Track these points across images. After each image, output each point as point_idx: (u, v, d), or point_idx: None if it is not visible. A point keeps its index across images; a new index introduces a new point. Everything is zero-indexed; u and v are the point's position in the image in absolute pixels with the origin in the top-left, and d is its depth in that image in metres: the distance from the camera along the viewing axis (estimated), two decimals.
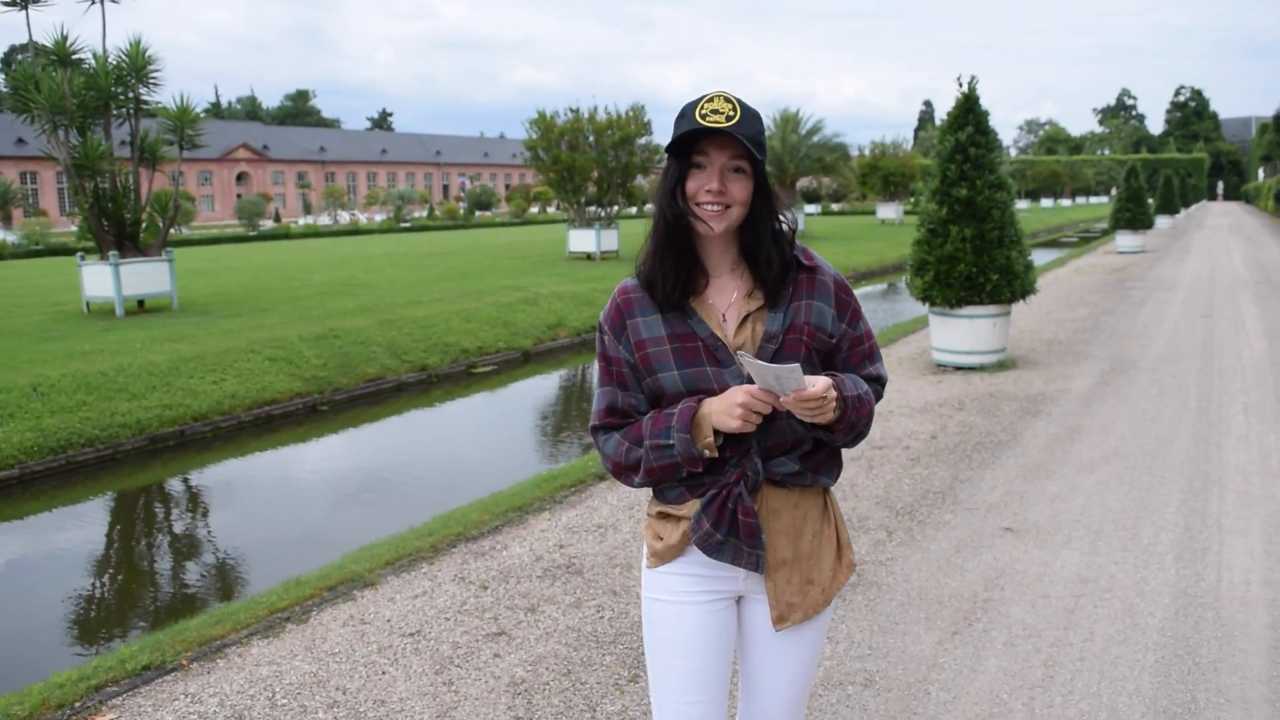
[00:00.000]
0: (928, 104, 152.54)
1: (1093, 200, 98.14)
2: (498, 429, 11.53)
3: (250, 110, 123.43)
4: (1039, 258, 26.96)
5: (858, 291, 25.47)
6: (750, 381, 2.04)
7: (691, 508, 2.16)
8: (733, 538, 2.10)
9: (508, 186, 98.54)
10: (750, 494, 2.10)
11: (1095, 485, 6.38)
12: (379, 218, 63.28)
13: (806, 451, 2.15)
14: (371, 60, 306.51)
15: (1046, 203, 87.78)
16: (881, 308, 20.85)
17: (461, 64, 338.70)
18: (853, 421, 2.10)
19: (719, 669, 2.23)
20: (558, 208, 59.64)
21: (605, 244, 26.92)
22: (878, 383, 2.26)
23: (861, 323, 2.24)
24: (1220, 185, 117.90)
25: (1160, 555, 5.14)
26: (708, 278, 2.16)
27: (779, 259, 2.13)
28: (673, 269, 2.11)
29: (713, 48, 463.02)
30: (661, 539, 2.23)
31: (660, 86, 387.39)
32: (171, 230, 18.36)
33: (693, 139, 2.05)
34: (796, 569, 2.18)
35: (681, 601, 2.20)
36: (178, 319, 15.24)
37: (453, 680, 4.04)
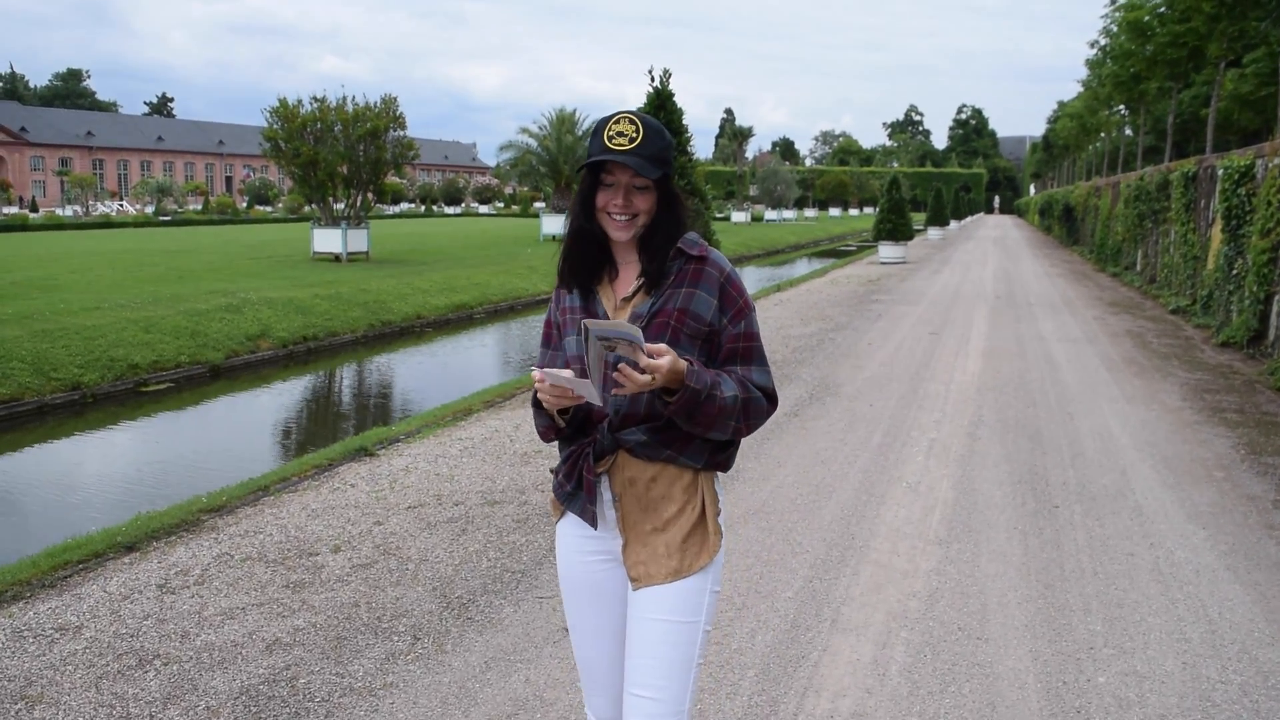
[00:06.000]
0: (729, 112, 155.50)
1: None
2: (129, 467, 9.72)
3: (9, 88, 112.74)
4: (808, 267, 26.73)
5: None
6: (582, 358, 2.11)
7: None
8: (580, 491, 2.31)
9: None
10: (598, 458, 2.29)
11: None
12: (150, 210, 58.77)
13: (658, 426, 2.24)
14: (162, 42, 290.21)
15: (835, 212, 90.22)
16: None
17: (261, 51, 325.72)
18: (689, 410, 2.16)
19: (601, 620, 2.39)
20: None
21: (354, 244, 24.99)
22: (755, 388, 2.27)
23: (744, 323, 2.31)
24: (996, 199, 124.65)
25: (743, 670, 4.01)
26: (616, 268, 2.37)
27: (664, 256, 2.28)
28: (578, 264, 2.36)
29: (526, 48, 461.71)
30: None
31: (471, 83, 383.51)
32: None
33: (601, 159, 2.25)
34: (655, 538, 2.28)
35: (566, 550, 2.42)
36: None
37: None
